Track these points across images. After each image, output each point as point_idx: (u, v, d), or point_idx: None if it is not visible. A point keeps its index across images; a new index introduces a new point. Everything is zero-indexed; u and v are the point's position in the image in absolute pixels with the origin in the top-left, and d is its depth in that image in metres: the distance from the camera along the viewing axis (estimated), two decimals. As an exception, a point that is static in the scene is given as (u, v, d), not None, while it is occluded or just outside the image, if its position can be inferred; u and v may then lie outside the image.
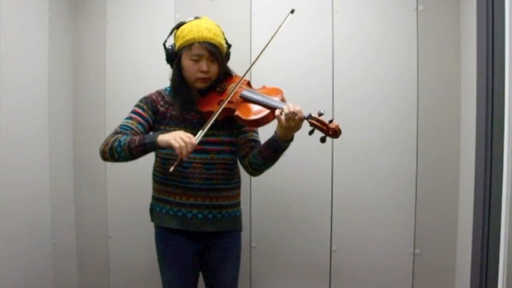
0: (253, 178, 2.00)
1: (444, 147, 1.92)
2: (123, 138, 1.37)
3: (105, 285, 2.19)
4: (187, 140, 1.27)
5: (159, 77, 2.04)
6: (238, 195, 1.63)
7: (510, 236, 1.36)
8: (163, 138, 1.32)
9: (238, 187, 1.63)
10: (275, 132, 1.39)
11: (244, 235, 1.99)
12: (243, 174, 1.63)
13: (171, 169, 1.29)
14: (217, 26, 1.51)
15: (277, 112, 1.33)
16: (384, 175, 1.96)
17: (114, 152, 1.37)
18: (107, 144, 1.39)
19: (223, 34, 1.54)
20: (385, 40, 1.94)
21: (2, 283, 1.71)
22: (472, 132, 1.71)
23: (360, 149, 1.97)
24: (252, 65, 1.49)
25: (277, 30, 1.45)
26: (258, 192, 2.03)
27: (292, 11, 1.48)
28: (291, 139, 1.40)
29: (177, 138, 1.27)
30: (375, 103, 1.95)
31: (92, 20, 2.15)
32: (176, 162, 1.29)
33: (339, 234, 1.99)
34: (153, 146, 1.35)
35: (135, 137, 1.37)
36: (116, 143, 1.37)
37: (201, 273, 1.64)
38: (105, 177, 2.15)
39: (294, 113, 1.30)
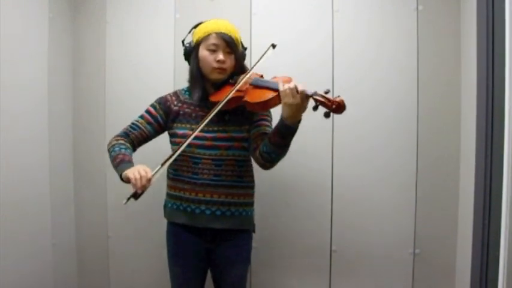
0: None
1: (444, 147, 1.92)
2: (117, 149, 1.49)
3: (105, 285, 2.19)
4: (143, 173, 1.32)
5: (159, 77, 2.06)
6: (250, 195, 1.61)
7: (510, 236, 1.36)
8: (126, 172, 1.38)
9: (251, 187, 1.61)
10: (281, 114, 1.38)
11: (244, 235, 1.99)
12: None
13: (124, 202, 1.33)
14: (236, 28, 1.56)
15: (280, 88, 1.34)
16: (384, 175, 1.96)
17: (109, 154, 1.52)
18: (110, 143, 1.53)
19: (240, 37, 1.58)
20: (385, 40, 1.94)
21: (2, 283, 1.71)
22: (472, 132, 1.71)
23: (360, 148, 1.97)
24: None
25: (257, 62, 1.50)
26: (257, 192, 2.02)
27: (274, 46, 1.52)
28: (298, 121, 1.37)
29: (135, 171, 1.33)
30: (375, 103, 1.95)
31: (92, 19, 2.15)
32: (131, 194, 1.33)
33: (339, 234, 1.99)
34: (119, 174, 1.43)
35: (120, 156, 1.45)
36: (111, 149, 1.51)
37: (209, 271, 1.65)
38: (105, 177, 2.15)
39: (295, 88, 1.30)
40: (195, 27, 1.56)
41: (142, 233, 2.10)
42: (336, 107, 1.30)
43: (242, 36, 1.98)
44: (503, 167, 1.38)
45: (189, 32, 1.60)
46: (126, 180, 1.38)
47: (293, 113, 1.33)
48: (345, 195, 1.98)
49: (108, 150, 1.52)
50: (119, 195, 2.11)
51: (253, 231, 1.65)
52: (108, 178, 2.14)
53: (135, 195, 1.33)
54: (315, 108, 1.34)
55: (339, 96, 1.31)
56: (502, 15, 1.44)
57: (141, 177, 1.31)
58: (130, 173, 1.34)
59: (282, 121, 1.37)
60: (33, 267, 1.92)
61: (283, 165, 1.99)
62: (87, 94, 2.17)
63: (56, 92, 2.06)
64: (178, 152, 1.40)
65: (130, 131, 1.56)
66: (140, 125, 1.55)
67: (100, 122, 2.14)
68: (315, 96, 1.32)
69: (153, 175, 1.34)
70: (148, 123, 1.56)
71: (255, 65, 1.49)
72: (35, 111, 1.93)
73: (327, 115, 1.32)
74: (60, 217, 2.10)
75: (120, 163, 1.43)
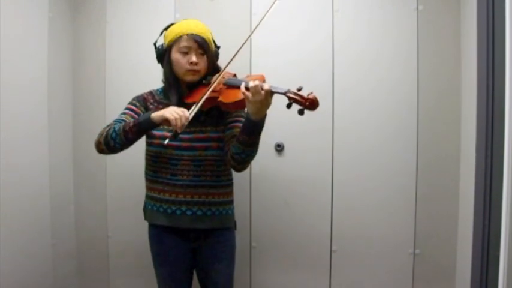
0: (252, 178, 1.99)
1: (444, 147, 1.92)
2: (117, 125, 1.43)
3: (105, 285, 2.19)
4: (181, 113, 1.32)
5: (158, 77, 2.05)
6: (229, 193, 1.61)
7: (510, 236, 1.35)
8: (158, 113, 1.36)
9: (230, 185, 1.62)
10: (246, 111, 1.38)
11: (244, 235, 1.99)
12: (242, 174, 1.62)
13: (166, 141, 1.34)
14: (207, 27, 1.54)
15: (242, 87, 1.33)
16: (384, 175, 1.96)
17: (109, 139, 1.42)
18: (101, 135, 1.44)
19: (212, 36, 1.57)
20: (385, 40, 1.94)
21: (1, 283, 1.71)
22: (472, 132, 1.71)
23: (360, 148, 1.97)
24: (237, 51, 1.46)
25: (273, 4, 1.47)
26: (257, 192, 2.03)
27: None
28: (263, 118, 1.37)
29: (172, 112, 1.32)
30: (375, 103, 1.96)
31: (91, 19, 2.15)
32: (171, 135, 1.34)
33: (339, 234, 1.99)
34: (148, 123, 1.38)
35: (128, 121, 1.42)
36: (111, 131, 1.42)
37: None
38: (105, 177, 2.15)
39: (257, 86, 1.29)
40: (166, 29, 1.54)
41: (142, 233, 2.10)
42: (309, 104, 1.29)
43: (242, 36, 1.99)
44: (503, 167, 1.38)
45: (161, 34, 1.57)
46: (161, 122, 1.36)
47: (257, 110, 1.32)
48: (345, 195, 1.98)
49: (106, 136, 1.42)
50: (119, 195, 2.14)
51: (235, 228, 1.65)
52: (108, 178, 2.14)
53: (176, 135, 1.34)
54: (289, 106, 1.32)
55: (311, 92, 1.31)
56: (502, 15, 1.44)
57: (180, 116, 1.30)
58: (168, 113, 1.32)
59: (247, 118, 1.37)
60: (33, 267, 1.91)
61: (283, 164, 1.99)
62: (87, 94, 2.17)
63: (56, 92, 2.06)
64: (210, 90, 1.40)
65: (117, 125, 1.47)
66: (125, 119, 1.48)
67: (100, 122, 2.13)
68: (288, 94, 1.31)
69: (190, 114, 1.35)
70: (133, 118, 1.50)
71: (257, 26, 1.46)
72: (35, 111, 1.93)
73: (300, 112, 1.31)
74: (60, 217, 2.10)
75: (138, 118, 1.40)
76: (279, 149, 1.98)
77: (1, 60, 1.70)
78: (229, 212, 1.61)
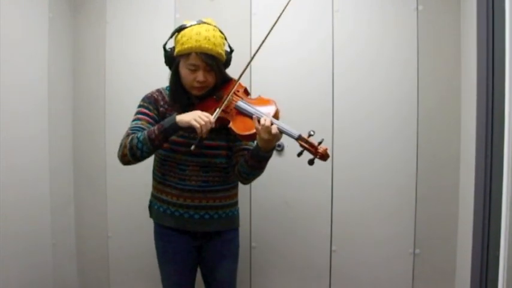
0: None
1: (444, 147, 1.92)
2: (140, 135, 1.40)
3: (105, 286, 2.19)
4: (206, 119, 1.33)
5: (159, 77, 2.05)
6: (235, 195, 1.63)
7: (510, 236, 1.35)
8: (183, 118, 1.36)
9: (235, 187, 1.63)
10: (256, 142, 1.40)
11: (244, 235, 1.99)
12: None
13: (192, 147, 1.37)
14: (219, 32, 1.48)
15: (255, 121, 1.36)
16: (384, 175, 1.96)
17: (136, 150, 1.39)
18: (125, 146, 1.41)
19: (225, 39, 1.51)
20: (385, 40, 1.94)
21: (1, 283, 1.71)
22: (472, 133, 1.71)
23: (360, 149, 1.97)
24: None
25: (280, 15, 1.49)
26: (258, 192, 2.03)
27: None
28: (273, 149, 1.41)
29: (197, 118, 1.33)
30: (375, 103, 1.95)
31: (91, 19, 2.15)
32: (196, 142, 1.37)
33: (338, 235, 2.00)
34: (174, 129, 1.38)
35: (152, 128, 1.40)
36: (135, 141, 1.39)
37: (199, 270, 1.65)
38: (105, 177, 2.15)
39: (268, 127, 1.32)
40: (178, 31, 1.47)
41: (142, 233, 2.10)
42: (320, 157, 1.30)
43: (242, 36, 1.99)
44: (503, 167, 1.38)
45: (171, 36, 1.52)
46: (187, 127, 1.36)
47: (266, 144, 1.36)
48: (345, 195, 1.98)
49: (131, 148, 1.38)
50: (119, 195, 2.14)
51: (238, 226, 1.67)
52: (108, 178, 2.14)
53: (201, 140, 1.38)
54: (300, 154, 1.33)
55: (322, 141, 1.31)
56: (502, 15, 1.44)
57: (205, 123, 1.32)
58: (192, 120, 1.33)
59: (256, 149, 1.40)
60: (33, 267, 1.92)
61: (283, 165, 1.99)
62: (87, 94, 2.17)
63: (56, 92, 2.06)
64: (231, 92, 1.43)
65: (135, 134, 1.44)
66: (142, 126, 1.45)
67: (100, 122, 2.14)
68: (300, 141, 1.31)
69: (214, 117, 1.36)
70: (149, 123, 1.48)
71: (277, 20, 1.49)
72: (35, 111, 1.93)
73: (311, 162, 1.31)
74: (60, 217, 2.10)
75: (163, 125, 1.38)
76: (279, 149, 1.99)
77: (1, 60, 1.70)
78: (235, 213, 1.63)
